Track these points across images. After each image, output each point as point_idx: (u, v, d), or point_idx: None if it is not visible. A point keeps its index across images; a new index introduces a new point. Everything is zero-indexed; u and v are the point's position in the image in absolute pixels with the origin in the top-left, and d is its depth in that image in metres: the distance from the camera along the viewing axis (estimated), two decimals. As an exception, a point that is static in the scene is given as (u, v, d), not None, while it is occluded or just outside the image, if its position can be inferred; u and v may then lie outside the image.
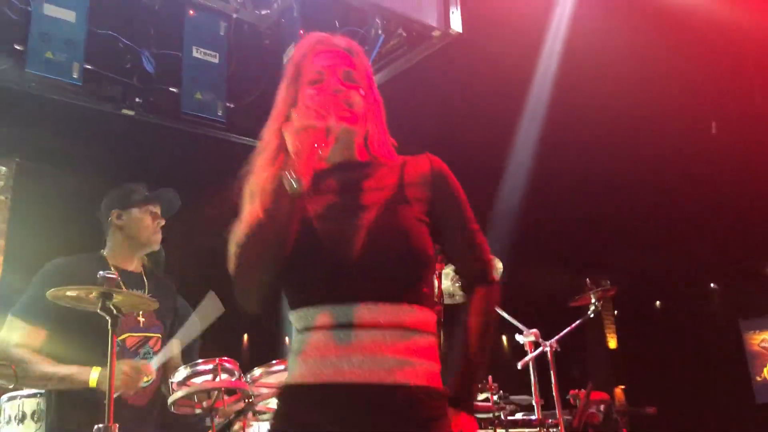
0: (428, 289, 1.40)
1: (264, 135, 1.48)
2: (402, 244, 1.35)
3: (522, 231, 7.17)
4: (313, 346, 1.34)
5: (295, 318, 1.40)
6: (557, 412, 3.38)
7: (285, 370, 2.74)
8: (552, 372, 3.46)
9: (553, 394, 3.41)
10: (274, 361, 2.76)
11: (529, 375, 3.45)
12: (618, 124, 6.71)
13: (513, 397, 3.46)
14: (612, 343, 11.00)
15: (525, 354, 3.46)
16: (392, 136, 1.56)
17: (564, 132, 6.60)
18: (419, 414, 1.30)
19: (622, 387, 10.49)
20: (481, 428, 3.28)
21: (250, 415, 2.91)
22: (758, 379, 11.05)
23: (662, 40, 5.52)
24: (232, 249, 1.36)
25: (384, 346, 1.31)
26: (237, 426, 2.85)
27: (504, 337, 9.55)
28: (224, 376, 2.60)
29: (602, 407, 3.63)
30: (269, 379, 2.80)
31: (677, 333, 11.08)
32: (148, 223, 2.72)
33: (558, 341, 3.44)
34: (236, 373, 2.67)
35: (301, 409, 1.35)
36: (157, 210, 2.79)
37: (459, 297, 3.35)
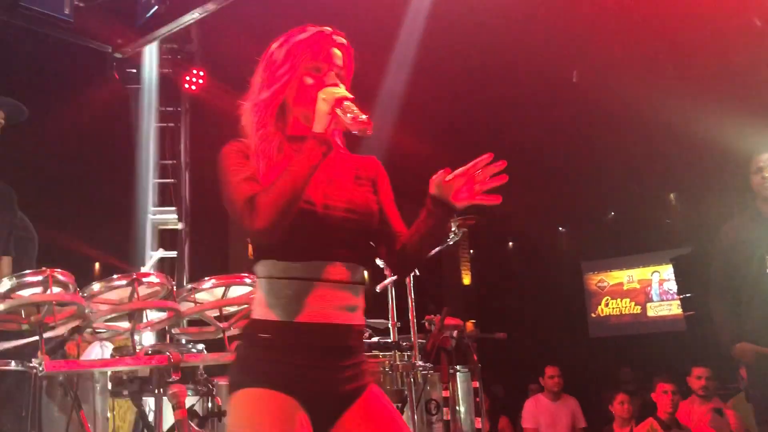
0: None
1: (258, 95, 1.77)
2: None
3: (389, 161, 7.17)
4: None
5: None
6: (412, 335, 3.42)
7: (127, 285, 2.54)
8: (409, 297, 3.48)
9: (410, 318, 3.45)
10: (114, 276, 2.54)
11: (387, 299, 3.46)
12: (480, 70, 6.80)
13: (370, 321, 3.46)
14: (466, 279, 11.48)
15: (384, 278, 3.45)
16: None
17: (430, 77, 6.61)
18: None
19: (473, 321, 11.02)
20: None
21: (86, 333, 2.69)
22: (593, 315, 12.04)
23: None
24: (259, 199, 1.60)
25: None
26: (72, 344, 2.63)
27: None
28: (57, 289, 2.36)
29: (455, 333, 3.72)
30: (110, 295, 2.59)
31: (526, 272, 11.76)
32: None
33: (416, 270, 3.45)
34: (71, 286, 2.44)
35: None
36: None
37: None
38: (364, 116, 1.60)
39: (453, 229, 3.67)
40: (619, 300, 11.75)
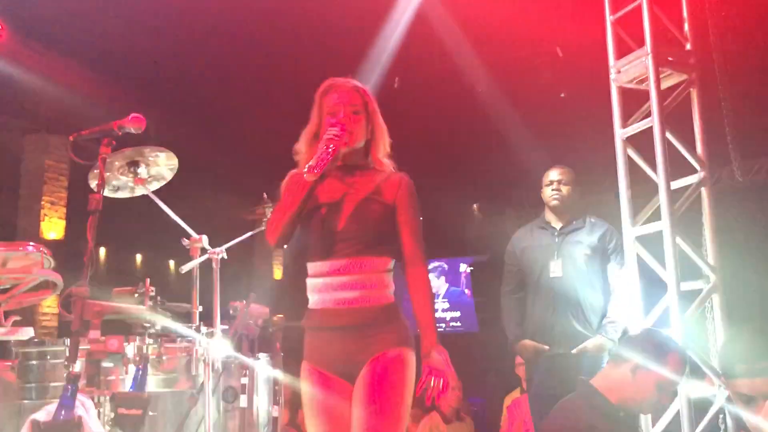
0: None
1: (299, 145, 2.36)
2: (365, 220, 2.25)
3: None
4: None
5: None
6: (215, 320, 3.32)
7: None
8: (215, 281, 3.38)
9: (213, 303, 3.35)
10: None
11: (191, 282, 3.33)
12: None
13: (170, 304, 3.31)
14: (278, 274, 11.41)
15: (190, 260, 3.32)
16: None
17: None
18: None
19: (280, 316, 10.97)
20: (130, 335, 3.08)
21: None
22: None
23: None
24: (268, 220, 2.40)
25: None
26: None
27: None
28: None
29: (260, 321, 3.66)
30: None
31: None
32: None
33: (226, 251, 3.36)
34: None
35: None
36: None
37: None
38: (307, 166, 2.14)
39: (267, 216, 3.63)
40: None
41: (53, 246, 7.54)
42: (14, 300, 2.46)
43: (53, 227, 8.15)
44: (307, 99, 2.38)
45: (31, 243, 2.46)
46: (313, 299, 2.24)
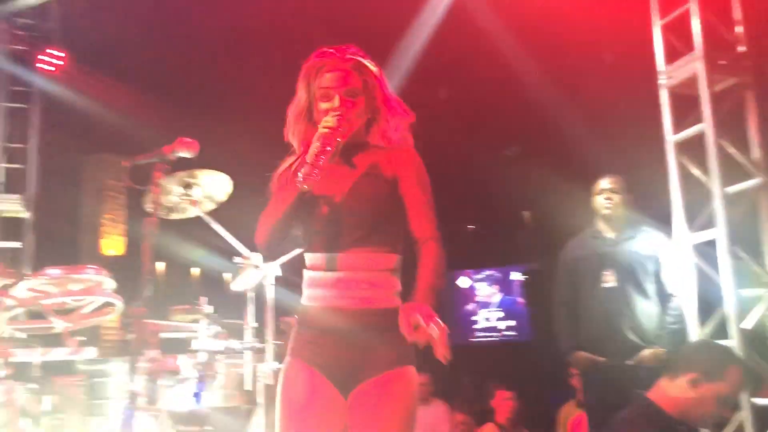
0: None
1: (289, 126, 2.04)
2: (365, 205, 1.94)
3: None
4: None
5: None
6: (268, 337, 3.38)
7: None
8: (269, 298, 3.43)
9: (267, 319, 3.40)
10: None
11: (244, 299, 3.40)
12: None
13: (225, 321, 3.39)
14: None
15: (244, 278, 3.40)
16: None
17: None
18: None
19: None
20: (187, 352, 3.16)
21: None
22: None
23: None
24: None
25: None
26: None
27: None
28: None
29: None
30: None
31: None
32: None
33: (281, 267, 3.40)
34: None
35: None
36: None
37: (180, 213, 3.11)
38: (301, 172, 1.84)
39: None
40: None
41: (113, 262, 7.81)
42: (78, 321, 2.57)
43: (113, 244, 8.42)
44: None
45: (93, 266, 2.56)
46: (308, 294, 1.95)
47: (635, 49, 4.65)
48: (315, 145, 1.84)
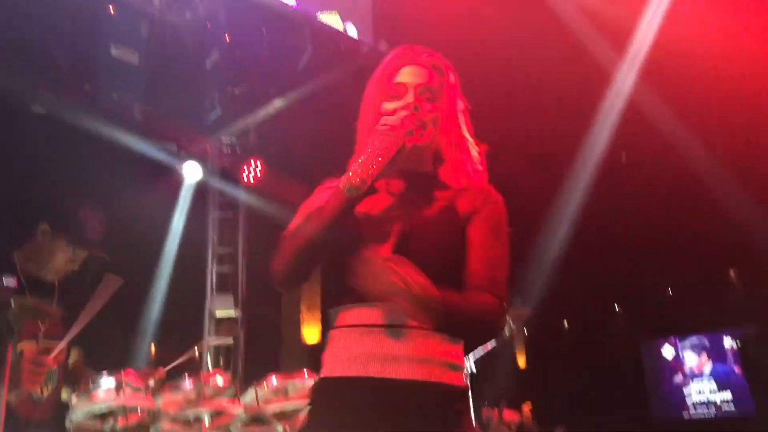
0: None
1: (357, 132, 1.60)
2: (426, 252, 1.43)
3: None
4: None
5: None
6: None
7: (193, 386, 2.63)
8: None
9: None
10: (183, 379, 2.64)
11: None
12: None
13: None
14: (521, 362, 11.23)
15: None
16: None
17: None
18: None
19: (530, 404, 10.69)
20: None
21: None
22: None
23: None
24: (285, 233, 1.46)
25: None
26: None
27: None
28: (128, 391, 2.48)
29: (513, 426, 3.67)
30: (176, 394, 2.69)
31: (583, 353, 11.39)
32: None
33: (474, 363, 3.44)
34: (142, 389, 2.54)
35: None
36: None
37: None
38: (347, 175, 1.39)
39: (508, 321, 3.68)
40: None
41: (314, 350, 8.22)
42: (296, 425, 2.76)
43: (311, 332, 8.90)
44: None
45: (307, 370, 2.76)
46: (335, 360, 1.45)
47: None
48: (369, 147, 1.41)
